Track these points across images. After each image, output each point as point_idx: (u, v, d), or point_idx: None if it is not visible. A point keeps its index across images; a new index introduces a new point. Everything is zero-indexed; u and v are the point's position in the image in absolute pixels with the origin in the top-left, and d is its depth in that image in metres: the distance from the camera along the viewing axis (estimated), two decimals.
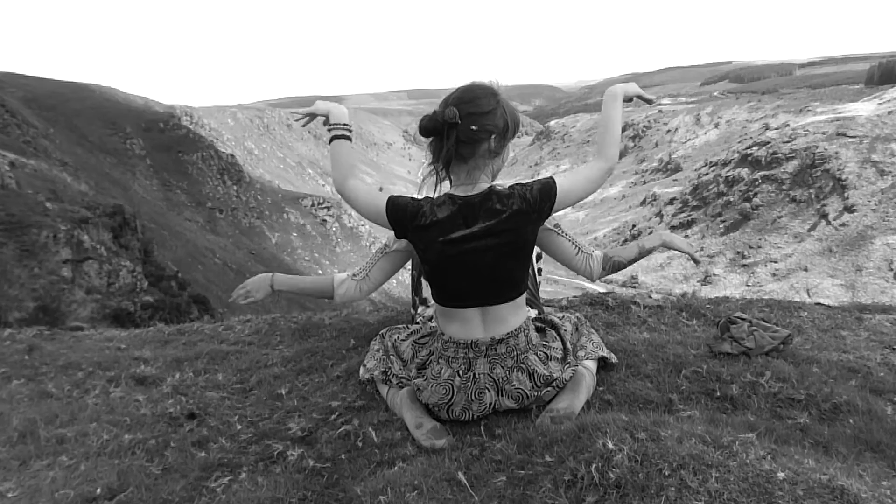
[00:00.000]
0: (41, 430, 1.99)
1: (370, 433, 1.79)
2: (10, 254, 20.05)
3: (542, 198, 1.70)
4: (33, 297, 19.58)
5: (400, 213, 1.72)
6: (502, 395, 1.77)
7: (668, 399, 1.84)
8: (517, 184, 1.73)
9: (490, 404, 1.77)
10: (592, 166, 1.81)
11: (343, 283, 1.98)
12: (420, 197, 1.77)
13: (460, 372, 1.77)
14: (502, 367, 1.76)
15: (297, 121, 1.99)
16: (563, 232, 1.91)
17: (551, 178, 1.74)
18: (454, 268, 1.70)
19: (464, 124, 1.63)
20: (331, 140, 1.88)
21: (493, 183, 1.75)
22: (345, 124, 1.88)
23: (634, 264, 2.09)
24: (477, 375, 1.76)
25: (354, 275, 1.98)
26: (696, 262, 2.08)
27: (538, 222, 1.73)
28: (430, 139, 1.71)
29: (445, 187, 1.77)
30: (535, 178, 1.76)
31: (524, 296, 1.82)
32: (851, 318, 2.83)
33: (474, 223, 1.67)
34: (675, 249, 2.01)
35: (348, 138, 1.89)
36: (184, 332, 3.33)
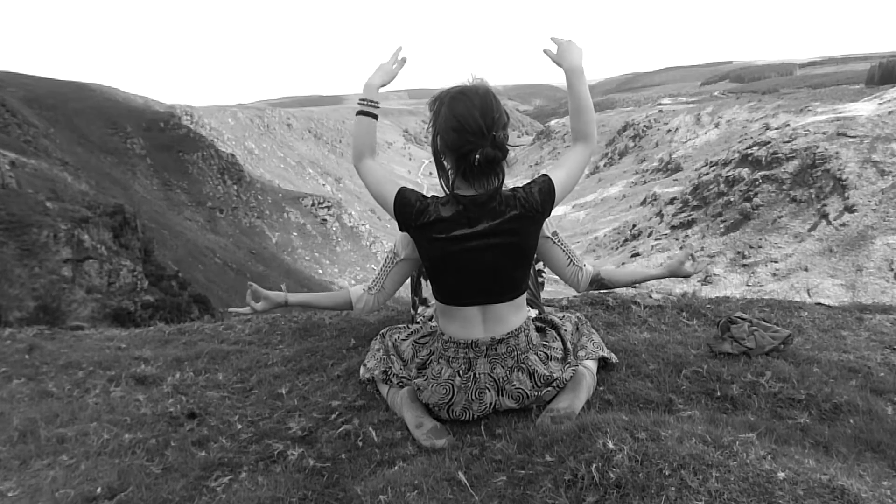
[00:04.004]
0: (42, 429, 2.00)
1: (370, 433, 1.79)
2: (10, 253, 20.05)
3: (544, 198, 1.72)
4: (34, 296, 19.57)
5: (406, 209, 1.73)
6: (503, 395, 1.77)
7: (669, 399, 1.84)
8: (517, 187, 1.74)
9: (490, 404, 1.77)
10: (582, 152, 1.83)
11: (361, 298, 1.97)
12: (428, 195, 1.78)
13: (461, 372, 1.77)
14: (503, 367, 1.76)
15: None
16: (558, 241, 1.92)
17: (547, 176, 1.75)
18: (455, 265, 1.70)
19: (505, 140, 1.66)
20: (358, 113, 1.92)
21: (499, 183, 1.75)
22: (371, 101, 1.91)
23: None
24: (477, 375, 1.76)
25: (370, 288, 1.97)
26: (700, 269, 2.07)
27: (540, 222, 1.75)
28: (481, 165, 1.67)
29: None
30: (532, 179, 1.76)
31: (525, 296, 1.82)
32: (852, 318, 2.83)
33: (478, 223, 1.67)
34: (682, 276, 2.01)
35: (374, 115, 1.92)
36: (184, 331, 3.33)
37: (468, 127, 1.62)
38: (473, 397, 1.76)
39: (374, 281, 1.97)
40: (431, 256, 1.73)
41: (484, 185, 1.70)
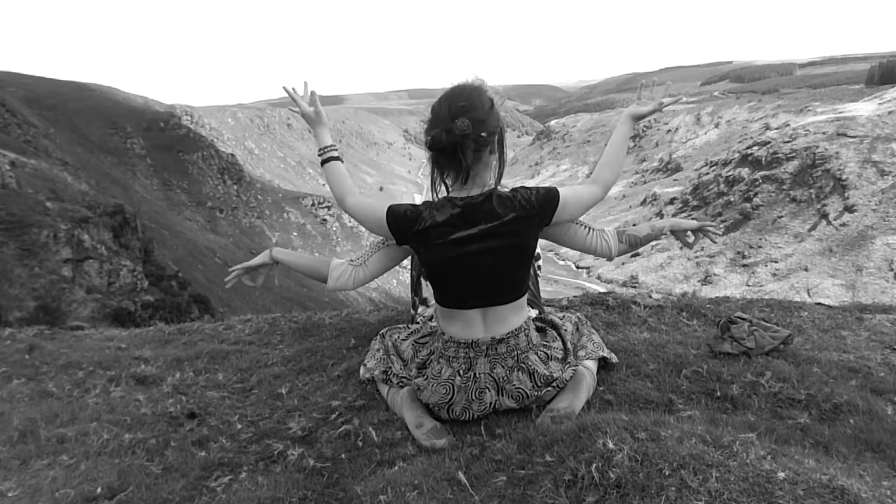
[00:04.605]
0: (42, 429, 2.00)
1: (370, 433, 1.79)
2: (10, 253, 20.06)
3: (545, 204, 1.71)
4: (34, 296, 19.59)
5: (400, 221, 1.73)
6: (503, 395, 1.77)
7: (669, 399, 1.84)
8: (521, 187, 1.73)
9: (490, 404, 1.77)
10: (593, 192, 1.85)
11: (339, 268, 1.91)
12: (419, 202, 1.78)
13: (461, 371, 1.77)
14: (503, 367, 1.76)
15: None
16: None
17: (555, 187, 1.76)
18: (455, 269, 1.70)
19: (474, 133, 1.62)
20: (323, 163, 2.00)
21: (495, 184, 1.74)
22: (330, 146, 2.01)
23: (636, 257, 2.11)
24: (477, 375, 1.76)
25: (352, 260, 1.94)
26: (715, 234, 2.02)
27: (539, 227, 1.74)
28: (435, 151, 1.67)
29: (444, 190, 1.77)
30: (539, 185, 1.76)
31: (525, 297, 1.82)
32: (852, 318, 2.83)
33: (475, 225, 1.67)
34: (684, 229, 2.00)
35: (339, 159, 2.03)
36: (184, 331, 3.33)
37: (437, 113, 1.66)
38: (473, 397, 1.76)
39: (360, 256, 1.95)
40: (430, 262, 1.72)
41: (453, 178, 1.70)
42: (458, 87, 1.68)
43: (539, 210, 1.70)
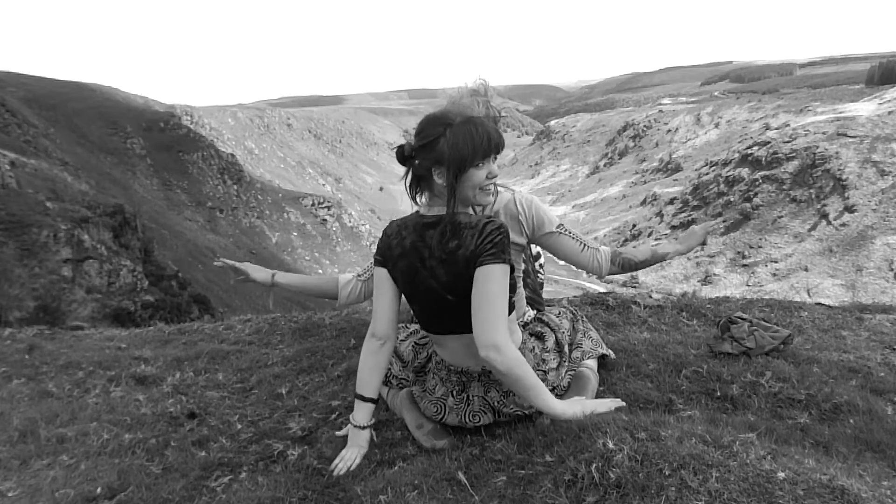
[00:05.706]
0: (42, 429, 2.00)
1: (371, 433, 1.79)
2: (10, 253, 20.06)
3: (493, 252, 1.50)
4: (34, 296, 19.59)
5: (382, 251, 1.64)
6: (499, 417, 1.71)
7: (669, 399, 1.84)
8: (490, 221, 1.54)
9: (487, 423, 1.72)
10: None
11: (348, 285, 1.97)
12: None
13: (454, 392, 1.71)
14: (497, 391, 1.69)
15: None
16: (566, 231, 1.84)
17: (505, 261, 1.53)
18: (414, 293, 1.62)
19: (415, 157, 1.58)
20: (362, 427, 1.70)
21: (447, 211, 1.56)
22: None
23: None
24: (471, 398, 1.70)
25: (359, 275, 1.96)
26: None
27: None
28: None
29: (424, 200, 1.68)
30: (501, 236, 1.52)
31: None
32: (852, 318, 2.83)
33: (421, 248, 1.57)
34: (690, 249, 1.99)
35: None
36: (184, 331, 3.33)
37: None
38: (467, 420, 1.70)
39: (365, 269, 1.96)
40: (396, 279, 1.63)
41: (428, 189, 1.61)
42: (440, 108, 1.62)
43: (488, 253, 1.49)
